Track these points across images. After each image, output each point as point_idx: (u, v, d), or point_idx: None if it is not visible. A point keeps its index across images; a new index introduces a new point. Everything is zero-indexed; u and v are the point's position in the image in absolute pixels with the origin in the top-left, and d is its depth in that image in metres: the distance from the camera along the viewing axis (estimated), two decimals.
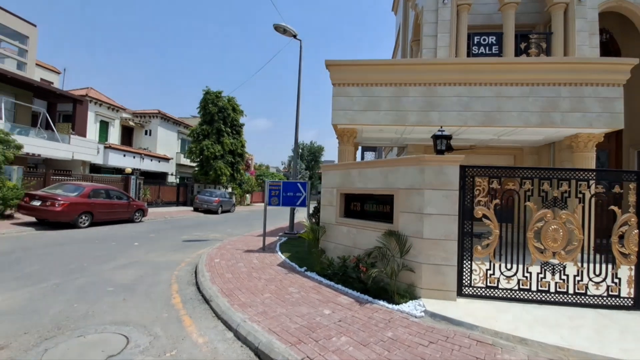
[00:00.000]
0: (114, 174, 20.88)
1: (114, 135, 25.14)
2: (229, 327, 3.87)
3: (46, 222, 11.39)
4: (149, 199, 21.06)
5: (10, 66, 17.40)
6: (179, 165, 30.34)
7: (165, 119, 28.48)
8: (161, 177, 27.60)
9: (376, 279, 4.88)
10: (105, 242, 9.33)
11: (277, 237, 10.66)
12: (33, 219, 11.92)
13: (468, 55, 8.57)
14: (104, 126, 24.48)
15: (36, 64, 19.96)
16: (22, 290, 4.91)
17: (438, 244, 4.51)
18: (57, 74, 24.33)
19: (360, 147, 43.68)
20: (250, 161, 40.59)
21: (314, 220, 8.57)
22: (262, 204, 39.66)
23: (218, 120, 26.53)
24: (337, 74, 8.00)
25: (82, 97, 20.11)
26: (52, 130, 18.06)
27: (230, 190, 30.08)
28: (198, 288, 5.37)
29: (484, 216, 4.62)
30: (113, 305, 4.52)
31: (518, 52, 8.57)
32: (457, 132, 8.43)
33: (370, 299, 4.61)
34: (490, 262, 4.68)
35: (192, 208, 24.59)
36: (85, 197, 12.00)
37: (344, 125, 8.16)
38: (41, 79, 20.85)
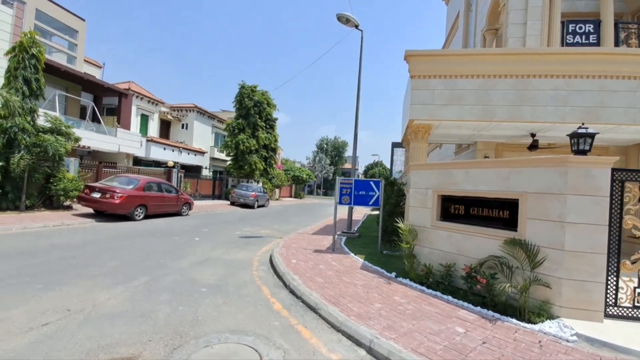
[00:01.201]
0: (152, 167, 21.23)
1: (153, 129, 25.56)
2: (358, 342, 3.50)
3: (104, 213, 11.55)
4: (189, 192, 21.27)
5: (60, 60, 17.84)
6: (212, 158, 30.61)
7: (201, 113, 28.72)
8: (196, 170, 27.92)
9: (496, 293, 4.38)
10: (167, 236, 9.26)
11: (336, 236, 10.27)
12: (90, 210, 12.13)
13: (562, 44, 7.79)
14: (144, 120, 24.91)
15: None
16: (118, 289, 4.75)
17: (583, 257, 3.96)
18: (98, 67, 24.90)
19: (391, 144, 42.28)
20: (278, 155, 40.58)
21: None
22: (290, 199, 39.65)
23: (254, 114, 26.47)
24: (417, 65, 7.46)
25: (126, 91, 20.43)
26: (99, 123, 18.45)
27: (261, 184, 30.12)
28: (292, 292, 5.05)
29: (634, 227, 4.01)
30: (217, 310, 4.26)
31: (617, 43, 7.72)
32: (542, 129, 7.73)
33: (497, 315, 4.13)
34: (638, 278, 4.09)
35: (228, 202, 24.74)
36: (141, 190, 12.08)
37: (421, 121, 7.63)
38: (85, 73, 21.39)
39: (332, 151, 76.10)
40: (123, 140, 19.19)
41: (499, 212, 4.81)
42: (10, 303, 3.97)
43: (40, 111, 11.61)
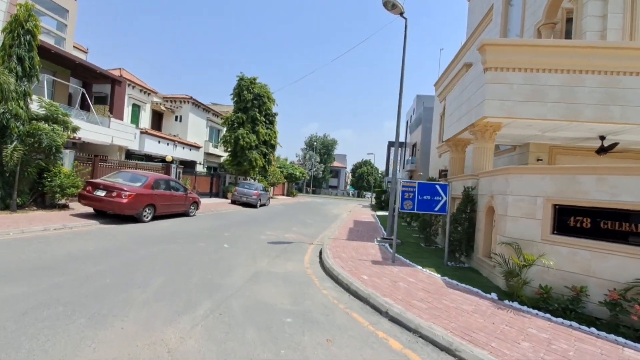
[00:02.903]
0: (144, 161, 19.57)
1: (145, 120, 23.71)
2: None
3: (106, 214, 10.16)
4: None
5: (48, 41, 15.93)
6: (206, 154, 28.99)
7: (197, 105, 27.02)
8: (190, 165, 26.25)
9: None
10: (190, 242, 8.09)
11: (375, 243, 9.40)
12: (89, 210, 10.67)
13: None
14: (136, 110, 23.04)
15: None
16: (184, 321, 3.67)
17: None
18: (84, 52, 22.80)
19: (387, 143, 42.14)
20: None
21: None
22: (284, 197, 38.42)
23: (253, 108, 25.14)
24: (494, 56, 6.67)
25: (120, 78, 18.66)
26: (90, 111, 16.66)
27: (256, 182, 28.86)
28: (396, 322, 4.12)
29: None
30: (330, 353, 3.29)
31: None
32: (612, 130, 7.15)
33: None
34: None
35: (227, 200, 23.39)
36: (149, 188, 10.73)
37: (495, 118, 6.86)
38: (76, 56, 19.37)
39: (322, 149, 75.21)
40: (116, 132, 17.46)
41: None
42: (57, 354, 2.83)
43: (34, 96, 10.02)
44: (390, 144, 41.24)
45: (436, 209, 7.00)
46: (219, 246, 8.04)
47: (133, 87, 22.11)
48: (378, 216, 20.11)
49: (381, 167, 74.74)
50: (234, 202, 21.32)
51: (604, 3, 7.26)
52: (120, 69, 22.62)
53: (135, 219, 10.22)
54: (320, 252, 8.11)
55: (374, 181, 75.71)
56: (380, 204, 29.86)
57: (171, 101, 26.01)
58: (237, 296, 4.68)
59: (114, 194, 9.62)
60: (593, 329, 3.97)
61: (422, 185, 7.00)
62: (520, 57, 6.61)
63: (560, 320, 4.22)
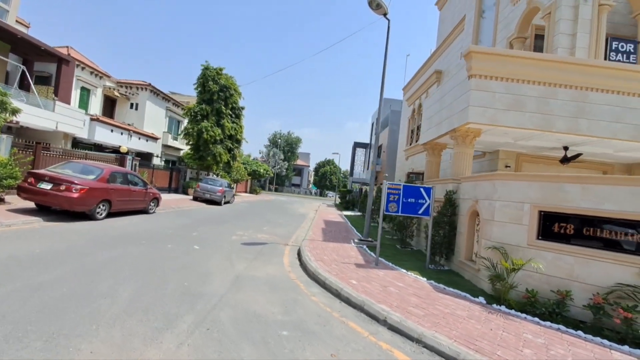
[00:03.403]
0: (94, 151, 17.71)
1: (95, 106, 21.51)
2: None
3: (51, 210, 8.96)
4: None
5: None
6: (165, 146, 27.13)
7: (155, 93, 25.10)
8: (146, 158, 24.38)
9: (637, 328, 3.87)
10: (155, 243, 7.36)
11: (353, 245, 9.28)
12: (29, 204, 9.30)
13: (605, 60, 7.85)
14: (85, 94, 20.81)
15: None
16: (168, 340, 3.19)
17: None
18: (26, 27, 20.09)
19: (353, 143, 42.63)
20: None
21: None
22: (247, 195, 37.24)
23: (218, 100, 23.92)
24: (479, 64, 6.83)
25: (68, 57, 16.66)
26: (30, 92, 14.66)
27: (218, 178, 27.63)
28: (397, 331, 3.96)
29: None
30: None
31: None
32: (576, 142, 7.72)
33: None
34: None
35: (188, 196, 22.06)
36: (104, 181, 9.62)
37: (478, 125, 7.04)
38: (18, 30, 16.92)
39: (286, 146, 74.34)
40: (62, 117, 15.58)
41: (626, 235, 4.34)
42: None
43: None
44: (356, 145, 41.81)
45: (420, 212, 7.02)
46: (189, 248, 7.39)
47: (83, 68, 19.93)
48: (346, 216, 20.17)
49: (344, 167, 75.67)
50: (195, 198, 20.15)
51: (574, 23, 7.81)
52: (67, 47, 20.24)
53: (86, 216, 9.10)
54: (299, 254, 7.81)
55: (337, 181, 76.59)
56: (345, 204, 30.09)
57: (126, 87, 23.88)
58: (222, 306, 4.23)
59: (63, 187, 8.45)
60: (580, 332, 4.13)
61: (407, 188, 6.98)
62: (503, 67, 6.85)
63: (548, 323, 4.36)
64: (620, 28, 8.51)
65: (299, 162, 79.96)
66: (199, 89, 24.08)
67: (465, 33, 12.99)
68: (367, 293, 5.01)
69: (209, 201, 19.70)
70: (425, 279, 6.05)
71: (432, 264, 7.23)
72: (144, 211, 11.98)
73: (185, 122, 29.02)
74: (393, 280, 5.84)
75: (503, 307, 4.85)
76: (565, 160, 8.37)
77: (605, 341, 3.95)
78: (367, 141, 42.81)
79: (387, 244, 9.86)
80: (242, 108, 27.15)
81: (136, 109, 24.31)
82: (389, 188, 6.90)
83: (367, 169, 38.48)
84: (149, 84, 24.10)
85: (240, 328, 3.65)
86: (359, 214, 22.73)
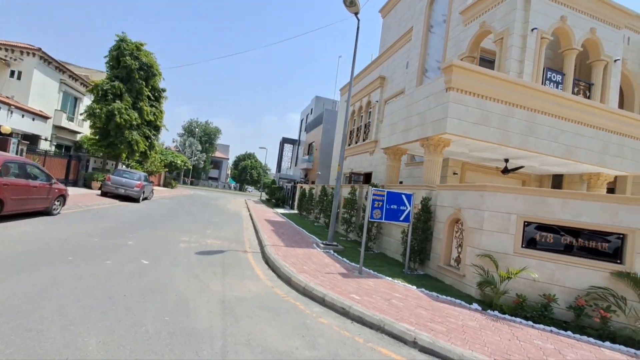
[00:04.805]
0: None
1: None
2: None
3: None
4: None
5: None
6: (57, 127, 22.08)
7: (47, 60, 20.03)
8: (32, 141, 19.38)
9: (617, 326, 4.53)
10: (88, 260, 5.76)
11: (320, 250, 8.88)
12: None
13: None
14: None
15: None
16: None
17: None
18: None
19: (282, 139, 42.13)
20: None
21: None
22: (163, 189, 33.09)
23: (138, 79, 20.50)
24: (459, 78, 7.18)
25: None
26: None
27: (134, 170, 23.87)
28: (431, 353, 3.77)
29: None
30: None
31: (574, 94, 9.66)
32: (519, 155, 8.87)
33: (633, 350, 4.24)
34: None
35: (93, 191, 18.46)
36: None
37: (452, 136, 7.42)
38: None
39: (203, 136, 68.85)
40: None
41: (597, 244, 5.03)
42: None
43: None
44: (284, 140, 41.20)
45: (401, 218, 7.05)
46: (136, 263, 5.95)
47: None
48: (284, 215, 19.55)
49: (264, 161, 74.27)
50: (105, 194, 16.92)
51: (522, 51, 8.92)
52: None
53: None
54: (268, 263, 7.12)
55: (257, 175, 74.49)
56: (276, 201, 29.31)
57: (6, 49, 18.48)
58: (235, 347, 3.40)
59: None
60: (569, 332, 4.62)
61: (390, 195, 6.92)
62: (477, 84, 7.35)
63: (541, 326, 4.77)
64: (548, 62, 10.12)
65: (218, 154, 75.16)
66: (112, 62, 20.22)
67: (413, 45, 13.75)
68: (377, 309, 4.72)
69: (123, 197, 16.73)
70: (415, 287, 6.07)
71: (408, 269, 7.36)
72: (47, 212, 9.40)
73: (87, 100, 24.23)
74: (389, 291, 5.69)
75: (497, 312, 5.15)
76: (506, 171, 9.57)
77: (593, 339, 4.49)
78: (295, 137, 42.65)
79: (348, 247, 9.76)
80: (163, 90, 23.94)
81: (19, 78, 19.08)
82: (374, 194, 6.73)
83: (295, 165, 38.35)
84: (39, 49, 19.16)
85: None
86: (294, 212, 22.35)
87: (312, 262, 7.31)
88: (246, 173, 74.27)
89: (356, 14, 9.40)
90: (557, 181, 11.65)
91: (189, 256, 7.07)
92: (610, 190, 11.25)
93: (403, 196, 7.06)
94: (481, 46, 10.66)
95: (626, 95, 11.87)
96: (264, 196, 41.54)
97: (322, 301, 5.09)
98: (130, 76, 20.19)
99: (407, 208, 7.06)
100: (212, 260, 7.00)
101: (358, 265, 7.38)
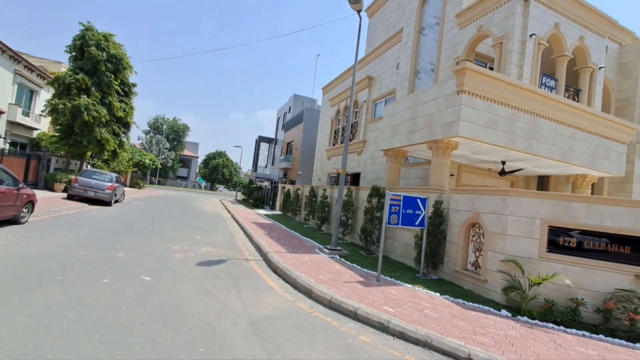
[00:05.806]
0: None
1: None
2: None
3: None
4: None
5: None
6: (12, 123, 19.85)
7: (0, 49, 17.89)
8: None
9: (639, 327, 4.64)
10: (81, 279, 5.06)
11: (326, 256, 8.53)
12: None
13: None
14: None
15: None
16: None
17: None
18: None
19: (258, 137, 41.24)
20: None
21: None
22: (131, 189, 30.93)
23: (106, 72, 18.88)
24: (471, 81, 7.15)
25: None
26: None
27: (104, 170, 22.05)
28: None
29: None
30: None
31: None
32: (518, 158, 9.09)
33: None
34: None
35: (58, 193, 16.80)
36: None
37: (463, 139, 7.40)
38: None
39: (171, 134, 65.65)
40: None
41: (620, 247, 5.15)
42: None
43: None
44: (261, 139, 40.20)
45: (417, 223, 6.91)
46: (137, 281, 5.30)
47: None
48: (268, 216, 18.93)
49: (235, 159, 72.32)
50: (72, 197, 15.42)
51: (522, 56, 9.12)
52: None
53: None
54: (277, 272, 6.77)
55: (229, 174, 72.29)
56: (255, 201, 28.47)
57: None
58: None
59: None
60: (601, 336, 4.68)
61: (407, 199, 6.74)
62: (488, 87, 7.37)
63: (573, 331, 4.80)
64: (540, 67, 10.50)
65: (187, 152, 72.11)
66: (76, 54, 18.47)
67: (404, 46, 13.74)
68: (415, 322, 4.50)
69: (92, 200, 15.33)
70: (438, 294, 5.93)
71: (423, 275, 7.24)
72: (15, 220, 8.28)
73: (45, 93, 22.13)
74: (415, 300, 5.49)
75: (527, 318, 5.13)
76: (503, 173, 9.79)
77: (631, 343, 4.56)
78: (269, 135, 41.76)
79: (350, 251, 9.51)
80: (134, 85, 22.29)
81: None
82: (391, 199, 6.52)
83: (272, 164, 37.55)
84: None
85: None
86: (277, 213, 21.77)
87: (324, 270, 6.97)
88: (217, 172, 71.80)
89: (359, 11, 9.16)
90: (542, 182, 12.17)
91: (191, 268, 6.47)
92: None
93: (418, 200, 6.92)
94: (477, 50, 10.83)
95: (604, 100, 12.67)
96: (240, 196, 40.36)
97: (354, 315, 4.79)
98: (97, 68, 18.55)
99: (422, 212, 6.93)
100: (216, 272, 6.45)
101: (371, 272, 7.20)
